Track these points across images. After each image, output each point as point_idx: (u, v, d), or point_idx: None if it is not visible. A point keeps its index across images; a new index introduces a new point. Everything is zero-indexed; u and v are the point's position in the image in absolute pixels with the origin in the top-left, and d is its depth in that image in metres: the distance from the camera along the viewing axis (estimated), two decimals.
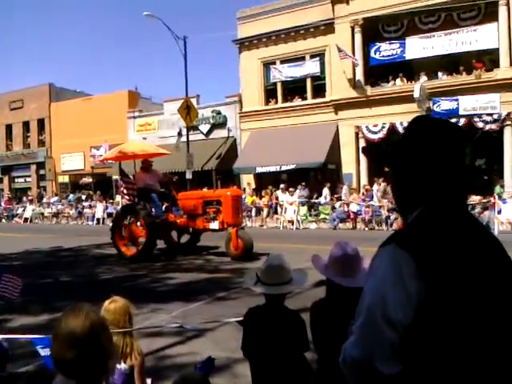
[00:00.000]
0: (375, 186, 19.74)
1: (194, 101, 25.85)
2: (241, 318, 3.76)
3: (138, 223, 12.73)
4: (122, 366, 3.17)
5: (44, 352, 3.97)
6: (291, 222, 19.92)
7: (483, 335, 1.42)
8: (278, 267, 2.99)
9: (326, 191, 21.34)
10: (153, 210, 12.61)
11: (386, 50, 22.22)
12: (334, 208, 20.15)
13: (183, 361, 5.10)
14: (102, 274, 11.11)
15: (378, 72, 23.14)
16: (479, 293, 1.42)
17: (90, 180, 31.99)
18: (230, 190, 13.47)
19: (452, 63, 21.74)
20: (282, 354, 2.84)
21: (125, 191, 13.11)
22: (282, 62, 25.49)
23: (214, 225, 12.30)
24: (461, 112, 20.01)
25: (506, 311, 1.46)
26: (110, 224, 14.41)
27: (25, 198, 33.15)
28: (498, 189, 18.19)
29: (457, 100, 20.17)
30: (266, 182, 24.54)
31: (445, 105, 20.44)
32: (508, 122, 19.90)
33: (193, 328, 4.79)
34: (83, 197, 29.78)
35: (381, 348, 1.39)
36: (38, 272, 11.13)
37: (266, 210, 21.41)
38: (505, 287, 1.47)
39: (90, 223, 26.68)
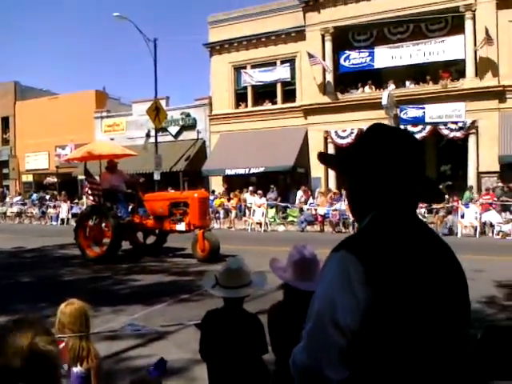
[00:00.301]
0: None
1: (163, 102, 25.67)
2: (199, 321, 3.71)
3: (103, 224, 12.56)
4: (78, 368, 3.10)
5: None
6: (259, 224, 19.95)
7: (429, 341, 1.42)
8: (237, 270, 2.98)
9: (300, 194, 21.44)
10: (118, 211, 12.43)
11: (355, 58, 22.57)
12: (301, 211, 20.28)
13: (143, 363, 4.97)
14: (64, 275, 10.89)
15: (347, 79, 23.48)
16: (426, 299, 1.42)
17: (55, 180, 31.42)
18: (197, 192, 13.41)
19: (419, 72, 22.23)
20: (240, 356, 2.82)
21: (89, 192, 12.92)
22: (253, 66, 25.58)
23: (181, 226, 12.20)
24: (427, 120, 20.45)
25: (451, 317, 1.47)
26: (74, 224, 14.15)
27: None
28: (467, 194, 18.59)
29: (423, 108, 20.58)
30: (234, 184, 24.52)
31: (411, 112, 20.83)
32: (472, 130, 20.43)
33: (149, 331, 4.69)
34: (47, 196, 29.13)
35: (329, 353, 1.39)
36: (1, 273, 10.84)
37: (234, 212, 21.39)
38: (452, 293, 1.49)
39: (54, 223, 26.13)
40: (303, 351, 1.44)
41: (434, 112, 20.37)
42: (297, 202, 21.28)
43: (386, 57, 21.95)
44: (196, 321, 4.44)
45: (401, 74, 22.45)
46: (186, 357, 5.06)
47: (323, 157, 1.78)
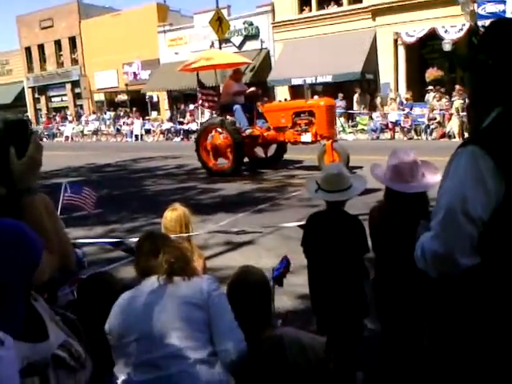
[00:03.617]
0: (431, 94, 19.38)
1: (224, 12, 24.99)
2: (301, 223, 3.96)
3: (222, 136, 12.09)
4: None
5: None
6: None
7: None
8: (337, 175, 3.06)
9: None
10: (238, 122, 11.99)
11: None
12: (371, 118, 19.93)
13: (237, 266, 5.40)
14: (149, 186, 11.49)
15: None
16: None
17: (126, 97, 32.05)
18: (324, 100, 12.33)
19: None
20: (341, 255, 2.97)
21: (205, 104, 12.74)
22: None
23: (306, 137, 11.37)
24: (508, 15, 18.78)
25: None
26: (194, 139, 13.96)
27: (57, 118, 33.79)
28: None
29: (504, 2, 18.95)
30: (301, 94, 24.10)
31: (490, 7, 19.19)
32: None
33: (253, 231, 4.99)
34: (121, 114, 30.13)
35: (461, 241, 1.51)
36: (88, 187, 11.65)
37: None
38: None
39: (129, 139, 27.21)
40: (434, 240, 1.56)
41: None
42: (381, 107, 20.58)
43: None
44: (292, 223, 4.79)
45: None
46: (276, 261, 5.41)
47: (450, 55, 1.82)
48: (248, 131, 11.83)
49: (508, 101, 1.58)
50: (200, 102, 12.90)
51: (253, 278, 2.53)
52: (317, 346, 2.42)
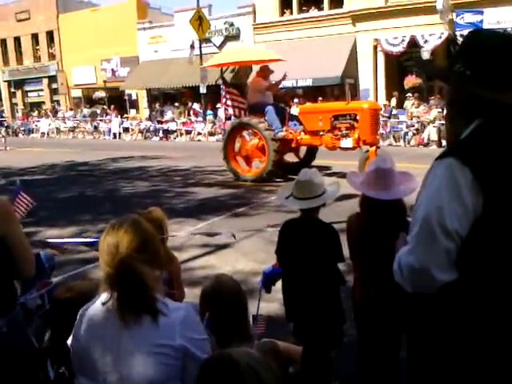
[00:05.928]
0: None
1: (205, 11, 24.99)
2: (275, 228, 3.94)
3: (255, 140, 11.23)
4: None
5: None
6: None
7: None
8: (306, 182, 3.01)
9: None
10: (269, 124, 10.93)
11: None
12: None
13: (214, 272, 5.28)
14: (124, 188, 11.25)
15: None
16: None
17: (104, 94, 31.55)
18: (368, 103, 11.56)
19: None
20: (315, 262, 2.94)
21: (228, 103, 11.58)
22: None
23: (347, 143, 10.47)
24: (485, 25, 19.11)
25: None
26: (222, 142, 12.36)
27: (34, 113, 33.15)
28: None
29: (481, 12, 19.28)
30: (279, 96, 24.14)
31: (468, 17, 19.53)
32: None
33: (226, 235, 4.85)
34: (98, 111, 29.67)
35: (437, 255, 1.45)
36: (63, 186, 11.47)
37: None
38: None
39: (107, 137, 26.80)
40: (410, 254, 1.52)
41: (493, 17, 19.06)
42: None
43: None
44: (272, 227, 4.76)
45: None
46: (253, 265, 5.35)
47: (422, 65, 1.81)
48: (281, 134, 10.81)
49: (488, 112, 1.53)
50: (224, 100, 11.80)
51: (226, 290, 2.41)
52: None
